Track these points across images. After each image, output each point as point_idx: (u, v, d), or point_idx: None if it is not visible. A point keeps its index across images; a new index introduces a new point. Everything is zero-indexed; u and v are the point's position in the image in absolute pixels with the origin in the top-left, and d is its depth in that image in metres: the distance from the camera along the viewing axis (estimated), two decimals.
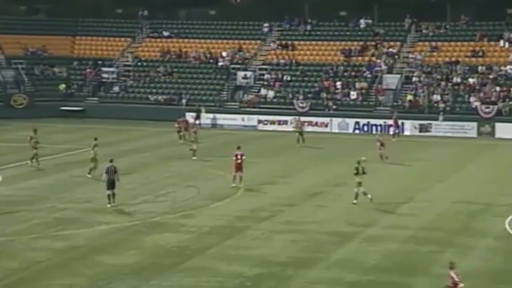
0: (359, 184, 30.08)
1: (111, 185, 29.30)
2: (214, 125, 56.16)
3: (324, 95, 57.82)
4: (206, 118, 56.38)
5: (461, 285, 18.04)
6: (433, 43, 60.82)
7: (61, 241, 24.87)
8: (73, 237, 25.30)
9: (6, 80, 62.28)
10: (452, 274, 18.18)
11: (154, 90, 61.89)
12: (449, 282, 18.17)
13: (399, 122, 51.26)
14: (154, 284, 20.93)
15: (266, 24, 66.22)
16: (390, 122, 51.26)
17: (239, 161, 33.16)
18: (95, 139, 36.65)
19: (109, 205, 29.10)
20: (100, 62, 65.42)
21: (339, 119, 54.45)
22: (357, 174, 30.13)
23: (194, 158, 39.81)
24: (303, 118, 50.38)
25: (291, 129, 49.84)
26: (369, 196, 30.05)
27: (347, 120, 54.14)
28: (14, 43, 65.23)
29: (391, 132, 50.36)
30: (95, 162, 35.16)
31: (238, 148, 34.00)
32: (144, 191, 32.53)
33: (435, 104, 55.01)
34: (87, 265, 22.42)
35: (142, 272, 21.87)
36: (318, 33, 64.69)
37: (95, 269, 22.11)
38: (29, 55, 65.51)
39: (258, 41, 65.40)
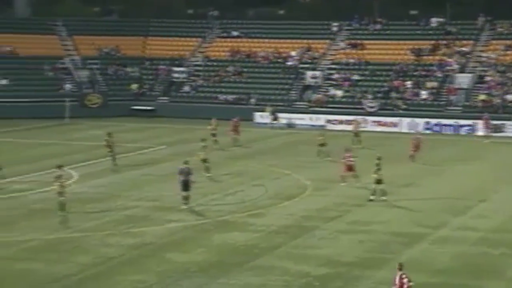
0: (378, 181, 30.32)
1: (185, 186, 29.42)
2: (285, 125, 56.25)
3: (393, 94, 57.34)
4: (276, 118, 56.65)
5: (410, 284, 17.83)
6: (508, 42, 59.57)
7: (132, 238, 25.46)
8: (143, 234, 25.85)
9: (81, 80, 63.89)
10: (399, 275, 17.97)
11: (223, 90, 62.49)
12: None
13: (491, 123, 50.04)
14: (221, 282, 21.22)
15: (335, 24, 66.04)
16: (480, 123, 50.35)
17: (351, 162, 33.69)
18: (203, 140, 37.06)
19: (184, 206, 29.19)
20: (171, 62, 66.44)
21: (409, 119, 53.89)
22: (378, 170, 30.40)
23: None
24: (370, 118, 50.01)
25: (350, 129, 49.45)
26: (384, 198, 30.02)
27: (417, 120, 53.53)
28: (89, 44, 66.83)
29: (481, 134, 49.57)
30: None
31: (348, 150, 34.50)
32: (212, 190, 32.94)
33: (509, 104, 53.89)
34: (156, 262, 22.89)
35: (210, 270, 22.21)
36: (388, 32, 64.15)
37: (164, 266, 22.56)
38: (103, 55, 67.03)
39: (327, 41, 65.26)
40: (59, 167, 28.75)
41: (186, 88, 63.87)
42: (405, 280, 17.95)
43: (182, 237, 25.74)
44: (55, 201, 28.54)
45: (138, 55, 67.84)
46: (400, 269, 18.16)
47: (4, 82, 61.37)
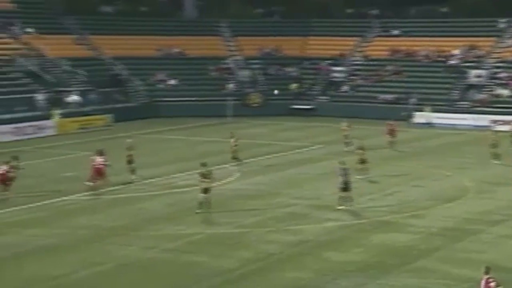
0: None
1: (346, 187, 29.19)
2: (443, 125, 55.01)
3: None
4: (435, 117, 55.50)
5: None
6: None
7: (291, 235, 25.92)
8: (302, 232, 26.25)
9: (243, 80, 65.62)
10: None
11: (382, 89, 61.97)
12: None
13: None
14: (380, 283, 21.16)
15: (502, 20, 63.59)
16: None
17: None
18: (359, 139, 36.97)
19: (340, 207, 29.06)
20: (330, 61, 66.73)
21: None
22: None
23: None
24: None
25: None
26: None
27: None
28: (251, 44, 68.53)
29: None
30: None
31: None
32: (370, 190, 32.84)
33: None
34: (314, 260, 23.19)
35: (368, 270, 22.21)
36: None
37: (321, 264, 22.81)
38: (264, 55, 68.47)
39: (493, 38, 63.00)
40: (203, 165, 29.30)
41: (345, 88, 63.92)
42: (492, 284, 17.23)
43: (340, 236, 25.90)
44: (218, 197, 29.56)
45: (298, 55, 68.67)
46: (487, 273, 17.43)
47: (173, 82, 64.23)
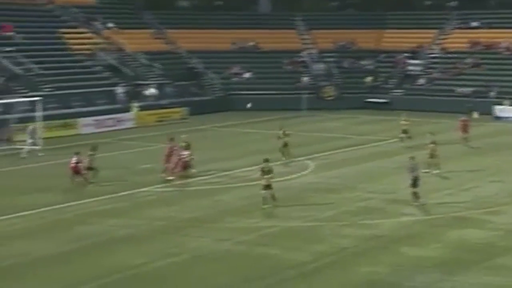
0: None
1: (414, 183, 28.83)
2: None
3: None
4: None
5: None
6: None
7: (366, 229, 25.78)
8: (377, 227, 26.07)
9: (317, 73, 65.46)
10: None
11: (460, 83, 60.79)
12: None
13: None
14: (458, 280, 20.80)
15: None
16: None
17: None
18: (431, 133, 36.14)
19: (415, 203, 28.58)
20: (406, 54, 65.86)
21: None
22: None
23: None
24: None
25: None
26: None
27: None
28: (326, 37, 68.27)
29: None
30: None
31: None
32: (445, 185, 32.32)
33: None
34: (389, 255, 23.00)
35: (444, 266, 21.90)
36: None
37: (397, 259, 22.59)
38: (339, 48, 68.11)
39: None
40: (266, 160, 29.11)
41: (421, 81, 62.98)
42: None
43: (415, 231, 25.60)
44: (292, 190, 29.61)
45: (373, 47, 68.02)
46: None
47: (247, 75, 64.60)
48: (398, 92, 63.01)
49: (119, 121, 51.61)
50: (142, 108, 53.81)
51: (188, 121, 54.01)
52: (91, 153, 33.44)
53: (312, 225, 26.53)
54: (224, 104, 60.56)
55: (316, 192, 31.40)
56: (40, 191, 31.50)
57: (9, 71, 50.26)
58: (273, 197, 28.67)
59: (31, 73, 50.95)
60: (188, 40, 65.91)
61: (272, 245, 24.07)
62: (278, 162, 35.36)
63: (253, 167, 36.34)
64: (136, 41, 62.35)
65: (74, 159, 32.52)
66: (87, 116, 50.10)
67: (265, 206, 28.49)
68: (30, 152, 39.89)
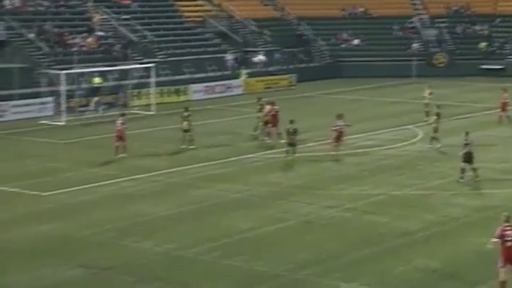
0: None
1: (468, 159, 27.46)
2: None
3: None
4: None
5: None
6: None
7: (477, 199, 25.29)
8: (489, 197, 25.51)
9: (428, 39, 63.95)
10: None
11: None
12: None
13: None
14: None
15: None
16: None
17: None
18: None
19: (461, 180, 27.40)
20: None
21: None
22: None
23: None
24: None
25: None
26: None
27: None
28: (438, 2, 66.43)
29: None
30: None
31: None
32: None
33: None
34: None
35: None
36: None
37: None
38: (451, 13, 66.19)
39: None
40: (291, 122, 30.91)
41: None
42: (508, 232, 16.56)
43: None
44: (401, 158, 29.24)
45: (488, 12, 65.70)
46: (507, 221, 16.78)
47: (356, 42, 63.88)
48: None
49: (228, 87, 52.30)
50: (251, 75, 54.27)
51: (295, 88, 54.09)
52: (186, 114, 33.85)
53: (421, 194, 26.23)
54: (332, 71, 60.23)
55: (424, 160, 30.95)
56: (152, 155, 32.47)
57: (125, 38, 51.75)
58: (293, 153, 30.66)
59: (146, 40, 52.25)
60: (297, 6, 65.67)
61: (380, 213, 23.99)
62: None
63: (361, 135, 36.19)
64: (246, 8, 62.68)
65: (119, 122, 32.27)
66: (198, 82, 51.03)
67: (286, 157, 30.73)
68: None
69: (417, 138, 35.40)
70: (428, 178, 28.12)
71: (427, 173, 28.91)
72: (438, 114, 33.52)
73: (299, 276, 18.94)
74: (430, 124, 33.86)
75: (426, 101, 40.06)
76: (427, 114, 38.36)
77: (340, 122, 32.23)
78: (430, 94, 40.78)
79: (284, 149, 31.04)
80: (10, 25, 47.15)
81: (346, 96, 51.08)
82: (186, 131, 33.50)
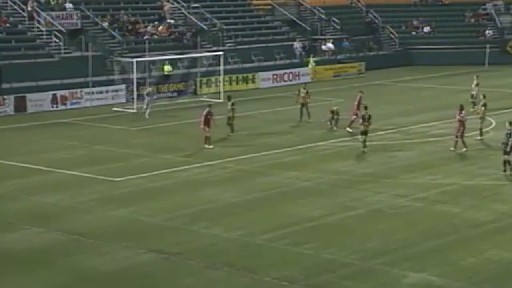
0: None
1: (505, 150, 26.66)
2: None
3: None
4: None
5: None
6: None
7: None
8: None
9: (503, 26, 62.45)
10: None
11: None
12: None
13: None
14: None
15: None
16: None
17: None
18: None
19: (503, 173, 26.64)
20: None
21: None
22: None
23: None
24: None
25: None
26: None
27: None
28: None
29: None
30: None
31: None
32: None
33: None
34: None
35: None
36: None
37: None
38: None
39: None
40: (365, 108, 30.84)
41: None
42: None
43: None
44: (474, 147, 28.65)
45: None
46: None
47: (427, 29, 62.83)
48: None
49: (296, 75, 52.17)
50: (319, 63, 54.00)
51: (364, 76, 53.60)
52: (231, 102, 33.97)
53: (493, 184, 25.74)
54: (402, 59, 59.40)
55: (497, 150, 30.22)
56: (219, 142, 32.70)
57: (195, 26, 52.16)
58: (364, 143, 30.18)
59: (215, 28, 52.55)
60: None
61: (451, 203, 23.65)
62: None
63: (434, 123, 35.68)
64: None
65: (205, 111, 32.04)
66: (266, 70, 51.07)
67: (364, 150, 30.21)
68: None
69: (490, 127, 34.67)
70: (500, 168, 27.50)
71: (499, 163, 28.27)
72: (485, 105, 32.61)
73: (368, 264, 18.86)
74: (477, 114, 32.88)
75: (473, 92, 38.91)
76: (473, 105, 37.41)
77: (462, 112, 30.35)
78: (477, 85, 39.36)
79: (359, 137, 30.49)
80: (86, 14, 48.09)
81: (416, 84, 50.37)
82: (230, 118, 33.74)
